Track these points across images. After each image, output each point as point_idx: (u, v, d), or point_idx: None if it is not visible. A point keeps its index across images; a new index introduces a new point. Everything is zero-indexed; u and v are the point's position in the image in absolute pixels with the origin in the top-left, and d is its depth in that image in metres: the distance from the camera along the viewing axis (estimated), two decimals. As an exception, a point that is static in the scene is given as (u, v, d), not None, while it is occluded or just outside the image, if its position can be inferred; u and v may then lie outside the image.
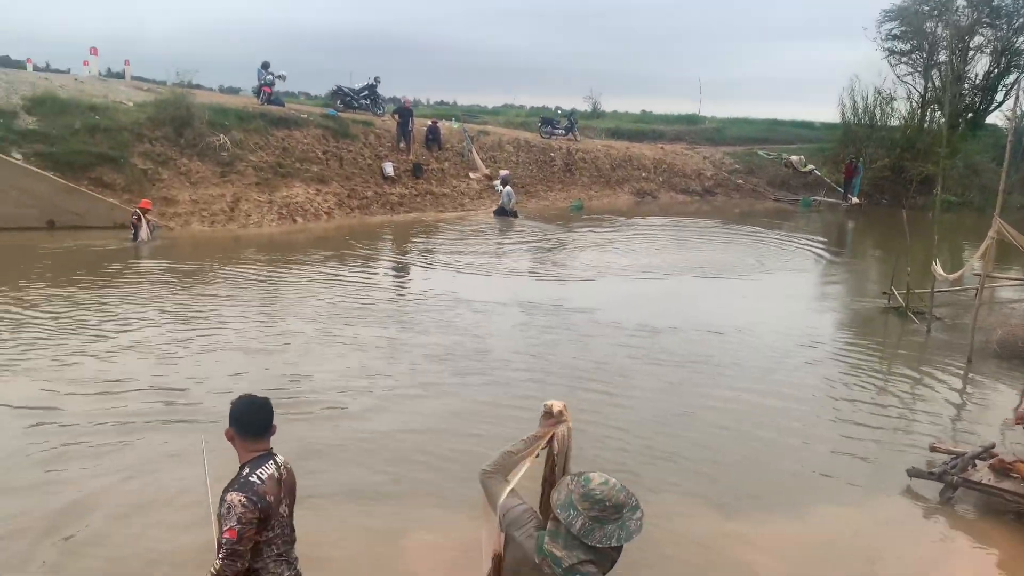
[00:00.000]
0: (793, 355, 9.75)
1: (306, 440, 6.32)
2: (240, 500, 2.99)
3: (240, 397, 3.25)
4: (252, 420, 3.18)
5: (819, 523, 5.73)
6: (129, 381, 7.69)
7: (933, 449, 6.58)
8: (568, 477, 2.65)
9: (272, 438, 3.27)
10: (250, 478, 3.07)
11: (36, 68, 24.51)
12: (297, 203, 19.24)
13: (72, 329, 9.30)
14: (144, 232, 15.26)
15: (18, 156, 15.89)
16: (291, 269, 13.63)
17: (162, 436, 6.46)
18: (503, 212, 21.49)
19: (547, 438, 3.02)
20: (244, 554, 3.01)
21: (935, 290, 11.52)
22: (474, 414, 7.24)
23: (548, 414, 3.04)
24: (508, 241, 18.15)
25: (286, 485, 3.24)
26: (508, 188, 21.92)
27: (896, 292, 12.26)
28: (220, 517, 3.03)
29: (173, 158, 18.22)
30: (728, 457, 6.66)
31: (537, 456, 3.03)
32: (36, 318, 9.70)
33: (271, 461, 3.19)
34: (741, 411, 7.68)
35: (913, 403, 8.31)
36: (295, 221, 18.81)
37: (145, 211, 15.43)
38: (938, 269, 11.02)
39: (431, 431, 6.84)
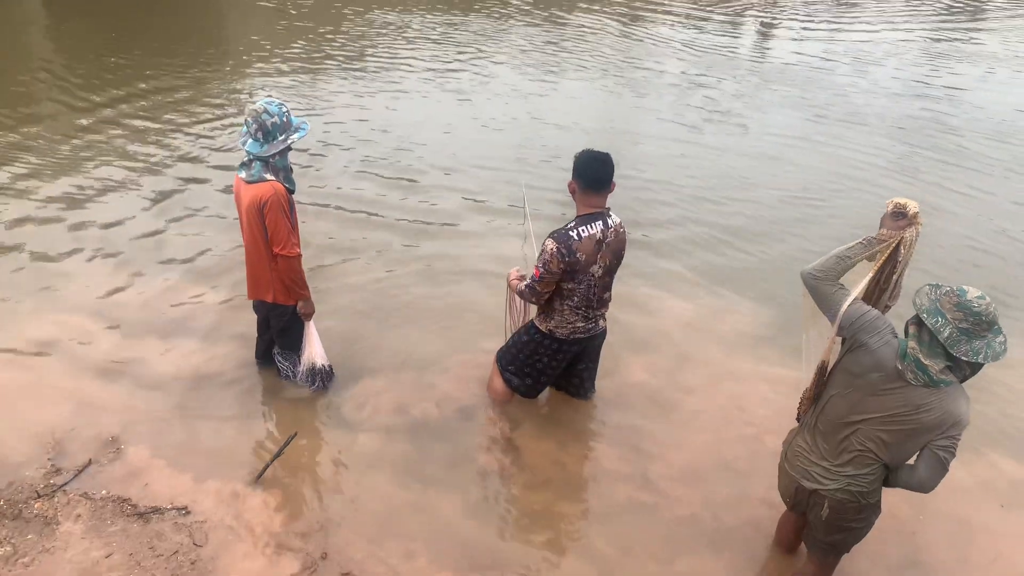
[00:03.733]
0: None
1: (636, 209, 6.30)
2: (552, 248, 3.26)
3: (583, 151, 3.31)
4: (592, 173, 3.27)
5: None
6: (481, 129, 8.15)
7: None
8: (928, 286, 2.47)
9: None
10: (570, 232, 3.27)
11: None
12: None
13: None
14: None
15: None
16: (648, 20, 13.06)
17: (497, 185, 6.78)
18: None
19: (893, 243, 2.56)
20: (539, 293, 3.41)
21: None
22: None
23: (899, 214, 2.55)
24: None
25: (610, 248, 3.36)
26: None
27: None
28: (539, 255, 3.37)
29: None
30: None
31: (877, 260, 2.60)
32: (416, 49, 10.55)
33: (600, 221, 3.31)
34: None
35: None
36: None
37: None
38: None
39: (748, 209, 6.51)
